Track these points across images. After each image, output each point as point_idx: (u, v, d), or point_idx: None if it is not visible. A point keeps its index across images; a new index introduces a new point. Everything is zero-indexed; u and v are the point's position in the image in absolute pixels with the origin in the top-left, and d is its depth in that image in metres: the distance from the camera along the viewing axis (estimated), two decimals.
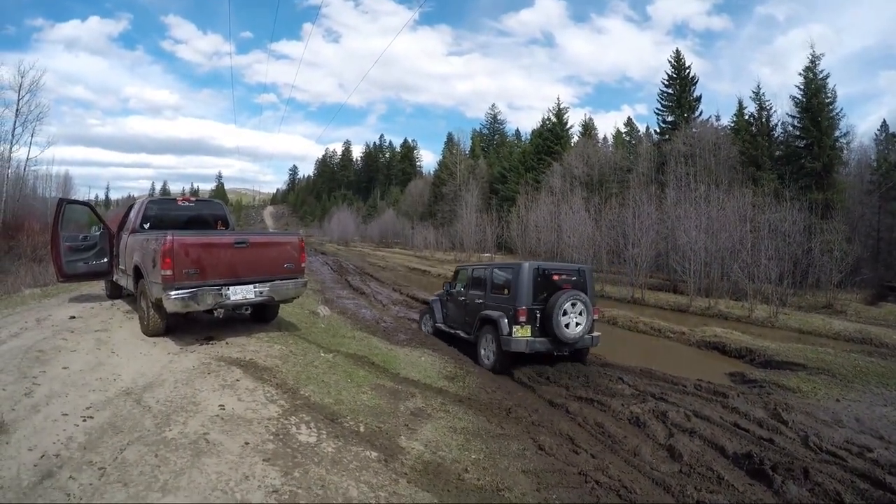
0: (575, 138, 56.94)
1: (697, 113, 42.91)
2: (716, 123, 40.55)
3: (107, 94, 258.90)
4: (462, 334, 10.98)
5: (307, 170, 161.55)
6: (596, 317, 9.73)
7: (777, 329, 16.44)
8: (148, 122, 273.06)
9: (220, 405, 4.99)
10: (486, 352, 9.81)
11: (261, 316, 8.56)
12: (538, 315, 9.21)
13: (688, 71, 43.96)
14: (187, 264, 6.64)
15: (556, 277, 9.53)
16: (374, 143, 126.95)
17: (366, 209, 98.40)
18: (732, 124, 39.14)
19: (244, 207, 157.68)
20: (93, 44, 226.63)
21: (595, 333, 9.78)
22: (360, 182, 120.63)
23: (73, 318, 8.59)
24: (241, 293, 7.13)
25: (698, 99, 43.48)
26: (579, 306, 9.12)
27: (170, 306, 6.62)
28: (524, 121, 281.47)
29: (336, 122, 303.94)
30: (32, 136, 32.15)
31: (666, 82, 44.49)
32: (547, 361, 9.87)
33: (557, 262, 11.81)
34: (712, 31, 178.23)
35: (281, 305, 8.68)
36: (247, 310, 7.50)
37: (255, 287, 7.26)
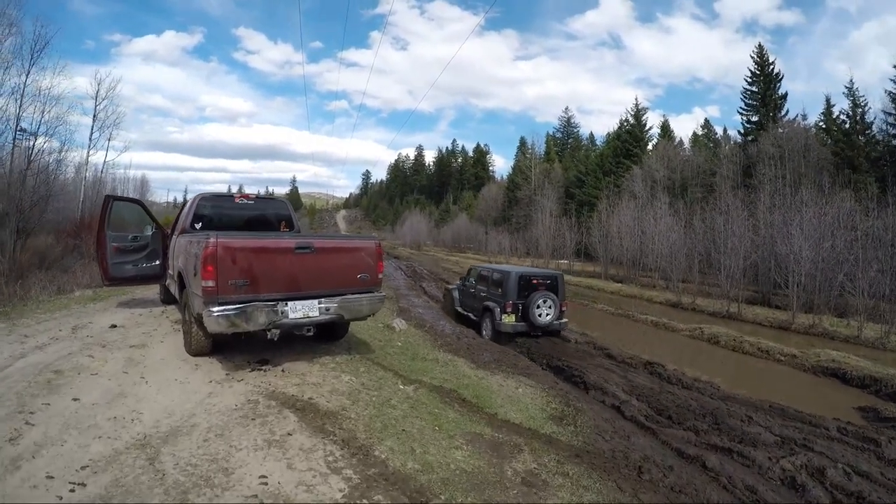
0: (653, 141, 54.01)
1: (784, 112, 39.81)
2: (802, 123, 37.43)
3: (184, 103, 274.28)
4: (472, 316, 14.43)
5: (380, 174, 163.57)
6: (565, 309, 13.20)
7: (890, 352, 14.84)
8: (224, 129, 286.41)
9: (261, 476, 3.44)
10: (487, 330, 13.21)
11: (328, 333, 7.08)
12: (520, 307, 12.60)
13: (772, 67, 40.97)
14: (235, 273, 5.23)
15: (534, 281, 12.94)
16: (447, 147, 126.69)
17: (438, 214, 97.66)
18: (821, 123, 36.46)
19: (318, 211, 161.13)
20: (168, 56, 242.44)
21: (563, 320, 13.15)
22: (433, 186, 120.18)
23: (114, 326, 7.51)
24: (302, 310, 5.63)
25: (784, 97, 40.45)
26: (549, 302, 12.63)
27: (211, 325, 5.21)
28: (594, 125, 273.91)
29: (407, 128, 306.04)
30: (109, 140, 32.26)
31: (749, 79, 41.70)
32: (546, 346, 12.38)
33: (537, 270, 15.47)
34: (783, 27, 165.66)
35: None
36: (309, 331, 5.93)
37: (319, 303, 5.77)
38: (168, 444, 3.83)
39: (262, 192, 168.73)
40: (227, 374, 5.55)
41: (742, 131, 42.54)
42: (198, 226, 7.48)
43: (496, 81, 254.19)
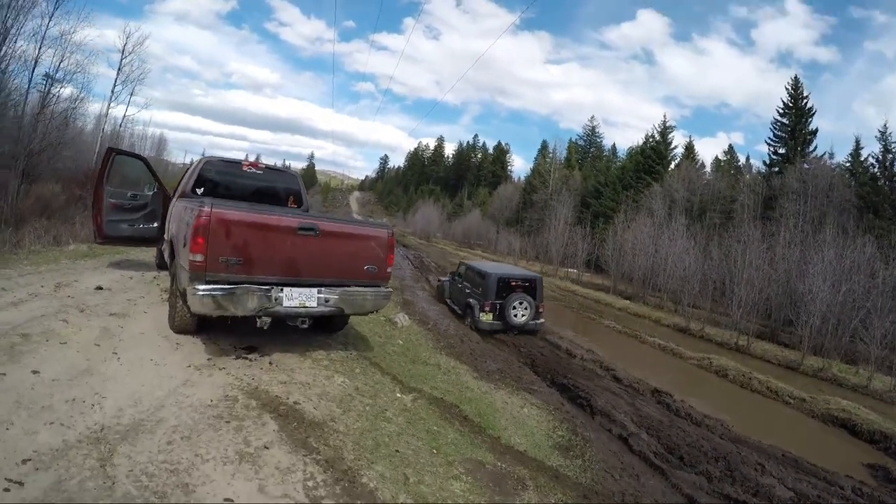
0: (675, 160, 53.05)
1: (812, 148, 38.98)
2: (829, 161, 36.85)
3: (212, 67, 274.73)
4: (457, 309, 15.16)
5: (398, 160, 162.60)
6: (542, 311, 14.01)
7: None
8: (248, 98, 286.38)
9: (226, 500, 2.90)
10: (469, 323, 13.68)
11: (324, 324, 6.50)
12: (498, 307, 13.29)
13: (805, 101, 39.82)
14: (228, 250, 4.66)
15: (513, 283, 13.63)
16: (468, 141, 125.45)
17: (451, 207, 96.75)
18: (848, 164, 35.60)
19: (332, 190, 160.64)
20: (202, 18, 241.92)
21: (539, 320, 13.96)
22: (449, 179, 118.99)
23: (100, 289, 7.02)
24: (298, 298, 5.06)
25: (814, 133, 39.29)
26: (524, 304, 13.40)
27: (195, 305, 4.67)
28: (617, 137, 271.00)
29: (430, 118, 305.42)
30: (132, 95, 31.57)
31: (781, 111, 40.65)
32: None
33: (517, 272, 15.69)
34: (818, 63, 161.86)
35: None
36: (304, 323, 5.33)
37: (319, 293, 5.19)
38: (126, 442, 3.30)
39: (279, 164, 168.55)
40: (208, 360, 5.01)
41: (767, 162, 41.76)
42: (199, 191, 6.95)
43: (524, 82, 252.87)
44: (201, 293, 4.58)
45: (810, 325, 19.43)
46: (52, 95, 20.46)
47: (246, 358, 5.24)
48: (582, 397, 9.07)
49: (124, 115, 33.06)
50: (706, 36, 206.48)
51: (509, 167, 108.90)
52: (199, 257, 4.59)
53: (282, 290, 4.98)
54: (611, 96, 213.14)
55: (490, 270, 14.42)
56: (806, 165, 35.57)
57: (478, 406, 5.92)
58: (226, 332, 5.76)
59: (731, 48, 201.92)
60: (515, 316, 13.27)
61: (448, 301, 16.26)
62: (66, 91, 21.99)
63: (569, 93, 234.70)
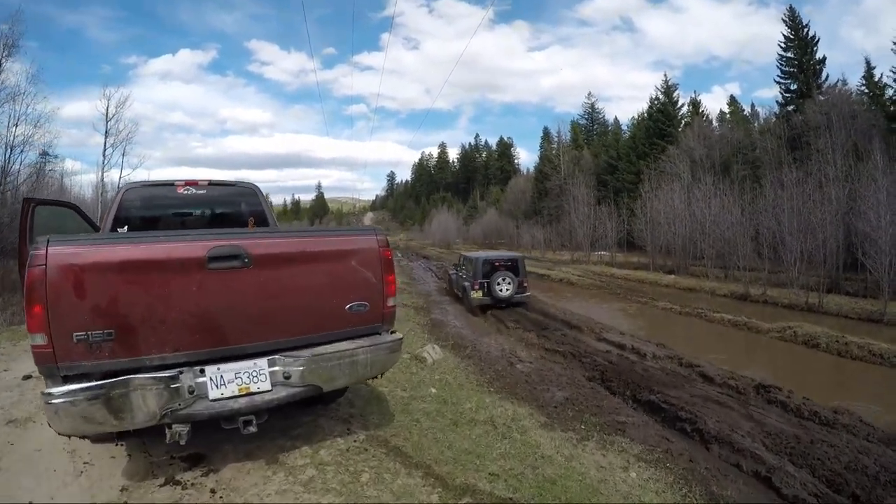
0: (685, 120, 50.04)
1: (824, 77, 36.32)
2: (843, 88, 34.01)
3: (204, 118, 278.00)
4: (459, 294, 17.38)
5: (404, 174, 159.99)
6: (526, 285, 16.15)
7: None
8: (246, 141, 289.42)
9: None
10: (465, 305, 16.10)
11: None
12: (485, 285, 15.36)
13: (806, 30, 37.29)
14: (87, 317, 2.63)
15: (497, 264, 15.76)
16: (470, 143, 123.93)
17: (466, 210, 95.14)
18: (863, 87, 32.98)
19: (345, 215, 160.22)
20: (185, 74, 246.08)
21: (526, 293, 16.15)
22: (459, 183, 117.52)
23: (28, 377, 5.54)
24: (234, 382, 2.98)
25: (822, 61, 36.71)
26: (507, 280, 15.46)
27: (54, 422, 2.64)
28: (614, 111, 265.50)
29: (428, 127, 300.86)
30: (124, 155, 31.38)
31: (783, 45, 38.15)
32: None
33: (501, 254, 18.50)
34: None
35: None
36: (250, 423, 3.08)
37: (272, 365, 3.13)
38: None
39: (289, 200, 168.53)
40: (122, 491, 3.07)
41: (781, 101, 39.16)
42: (124, 230, 4.91)
43: (511, 74, 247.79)
44: (57, 401, 2.52)
45: (884, 267, 17.25)
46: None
47: (177, 483, 3.16)
48: (683, 419, 6.80)
49: (119, 178, 32.18)
50: None
51: (516, 160, 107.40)
52: (40, 339, 2.58)
53: (201, 371, 2.89)
54: (599, 71, 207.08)
55: (477, 256, 16.94)
56: (821, 97, 33.62)
57: (569, 494, 3.67)
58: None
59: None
60: (500, 290, 15.39)
61: (456, 291, 18.30)
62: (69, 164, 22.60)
63: (557, 76, 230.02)
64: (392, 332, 3.68)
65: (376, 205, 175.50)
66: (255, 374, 3.05)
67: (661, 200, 34.12)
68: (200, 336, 2.91)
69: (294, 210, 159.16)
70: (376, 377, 3.77)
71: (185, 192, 5.29)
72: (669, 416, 6.99)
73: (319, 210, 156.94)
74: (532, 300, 17.78)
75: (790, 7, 38.34)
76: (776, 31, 38.21)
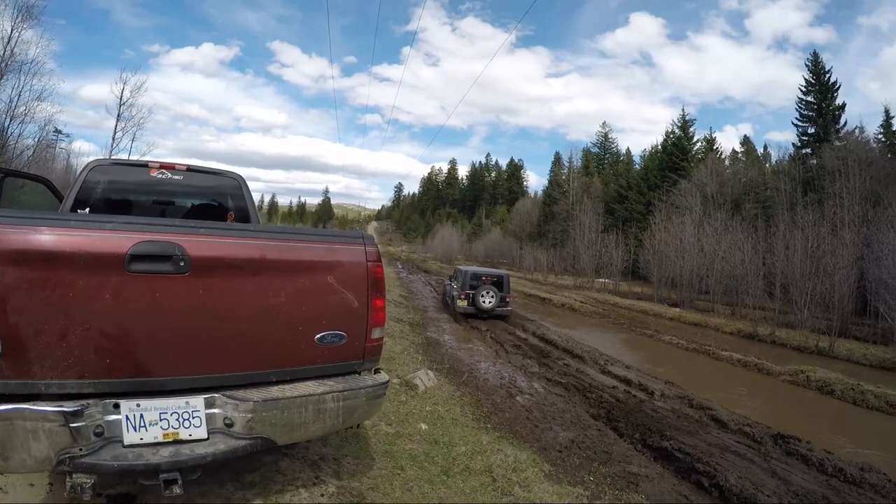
0: (698, 156, 50.00)
1: (842, 123, 36.32)
2: (860, 136, 34.13)
3: (221, 113, 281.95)
4: (448, 301, 19.28)
5: (412, 187, 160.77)
6: (509, 300, 17.72)
7: None
8: (259, 139, 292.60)
9: None
10: (451, 310, 17.96)
11: None
12: (471, 296, 16.89)
13: (828, 76, 37.41)
14: None
15: (483, 278, 17.41)
16: (480, 162, 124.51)
17: (470, 228, 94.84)
18: (881, 136, 33.74)
19: (349, 222, 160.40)
20: (206, 67, 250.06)
21: (507, 308, 17.67)
22: (466, 200, 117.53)
23: None
24: (157, 425, 2.22)
25: (842, 107, 36.76)
26: (491, 293, 16.97)
27: None
28: (626, 143, 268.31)
29: (440, 143, 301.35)
30: (133, 141, 31.09)
31: (804, 89, 38.35)
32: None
33: (488, 270, 20.15)
34: (815, 44, 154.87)
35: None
36: (173, 483, 2.20)
37: (210, 405, 2.36)
38: None
39: (295, 202, 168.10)
40: None
41: (797, 144, 39.15)
42: (85, 210, 4.24)
43: (527, 98, 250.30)
44: None
45: None
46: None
47: None
48: (700, 471, 6.09)
49: None
50: (701, 32, 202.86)
51: (525, 183, 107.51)
52: None
53: (115, 406, 2.18)
54: (614, 103, 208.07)
55: (466, 269, 19.01)
56: (837, 143, 33.65)
57: None
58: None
59: (727, 41, 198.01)
60: (484, 302, 16.82)
61: (447, 300, 19.98)
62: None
63: (572, 104, 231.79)
64: (377, 372, 2.91)
65: (382, 214, 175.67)
66: (187, 415, 2.29)
67: (670, 233, 33.49)
68: (116, 360, 2.18)
69: (299, 212, 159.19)
70: (351, 428, 3.07)
71: (160, 175, 4.62)
72: (685, 466, 6.28)
73: (324, 214, 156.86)
74: (533, 325, 17.47)
75: (814, 52, 38.88)
76: (792, 77, 39.14)
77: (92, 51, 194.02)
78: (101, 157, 4.85)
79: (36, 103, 22.46)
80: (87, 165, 4.59)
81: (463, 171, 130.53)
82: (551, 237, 58.93)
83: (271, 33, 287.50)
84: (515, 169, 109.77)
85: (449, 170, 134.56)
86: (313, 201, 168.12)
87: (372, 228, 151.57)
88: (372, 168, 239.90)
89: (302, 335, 2.57)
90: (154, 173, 4.58)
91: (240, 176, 4.99)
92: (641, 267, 36.60)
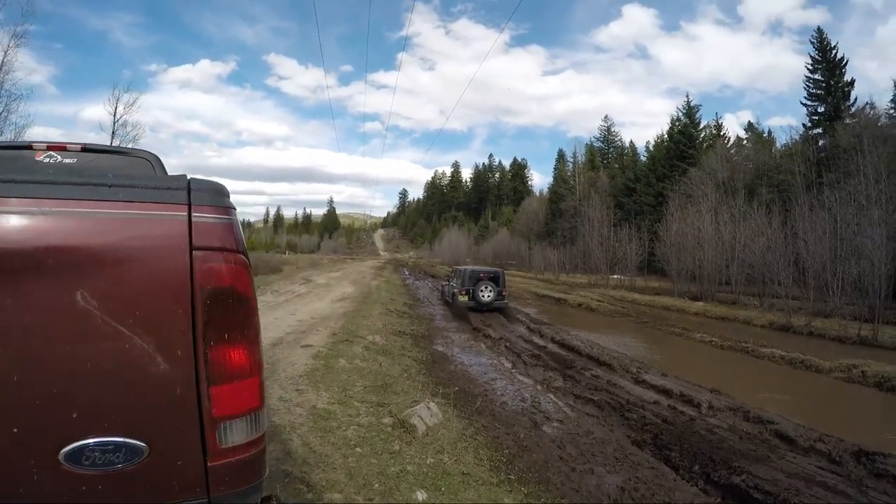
0: (705, 144, 49.36)
1: (852, 100, 35.29)
2: (872, 111, 33.07)
3: (221, 128, 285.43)
4: (449, 301, 20.52)
5: (417, 192, 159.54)
6: (505, 294, 19.18)
7: None
8: (261, 152, 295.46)
9: None
10: (454, 309, 19.05)
11: None
12: (471, 291, 18.29)
13: (834, 52, 36.40)
14: None
15: (481, 275, 19.00)
16: (483, 163, 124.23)
17: (477, 230, 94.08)
18: (892, 112, 32.24)
19: (356, 231, 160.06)
20: (204, 83, 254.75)
21: (504, 301, 19.08)
22: (471, 203, 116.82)
23: None
24: None
25: (851, 83, 35.73)
26: (489, 288, 18.38)
27: None
28: (627, 136, 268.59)
29: (442, 147, 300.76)
30: None
31: (810, 67, 37.49)
32: None
33: (484, 268, 22.41)
34: (809, 27, 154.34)
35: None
36: None
37: None
38: None
39: (300, 213, 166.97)
40: None
41: (807, 124, 38.07)
42: None
43: (526, 98, 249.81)
44: None
45: None
46: None
47: None
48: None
49: None
50: (694, 21, 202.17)
51: (529, 182, 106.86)
52: None
53: None
54: (613, 97, 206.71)
55: (465, 268, 21.15)
56: (847, 121, 32.93)
57: None
58: None
59: (720, 28, 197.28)
60: (483, 297, 18.16)
61: (447, 298, 21.14)
62: None
63: (571, 101, 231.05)
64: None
65: (388, 222, 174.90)
66: None
67: (686, 222, 32.18)
68: None
69: (305, 224, 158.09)
70: None
71: (47, 159, 3.26)
72: None
73: (330, 224, 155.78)
74: (550, 330, 16.11)
75: (818, 28, 38.10)
76: (790, 61, 38.12)
77: (93, 73, 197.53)
78: None
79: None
80: None
81: (466, 174, 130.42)
82: (560, 235, 57.78)
83: (267, 46, 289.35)
84: (519, 169, 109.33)
85: (452, 173, 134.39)
86: (318, 212, 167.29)
87: (379, 236, 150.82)
88: (375, 176, 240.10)
89: (27, 451, 1.13)
90: (40, 157, 3.23)
91: (153, 155, 3.57)
92: (657, 260, 35.25)
